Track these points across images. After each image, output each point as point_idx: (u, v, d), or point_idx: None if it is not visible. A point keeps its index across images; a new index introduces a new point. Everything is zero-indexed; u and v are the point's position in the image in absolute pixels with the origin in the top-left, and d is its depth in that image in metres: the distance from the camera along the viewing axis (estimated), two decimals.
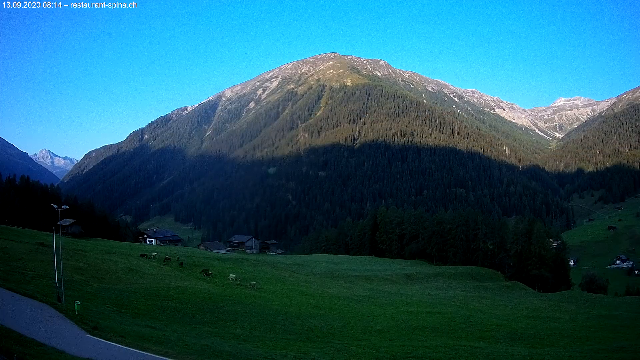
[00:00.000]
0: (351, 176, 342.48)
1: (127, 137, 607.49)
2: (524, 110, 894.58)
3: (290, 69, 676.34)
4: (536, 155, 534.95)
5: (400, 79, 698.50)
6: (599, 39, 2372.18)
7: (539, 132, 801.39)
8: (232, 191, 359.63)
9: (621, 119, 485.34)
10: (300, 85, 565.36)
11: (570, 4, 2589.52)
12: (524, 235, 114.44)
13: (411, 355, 29.70)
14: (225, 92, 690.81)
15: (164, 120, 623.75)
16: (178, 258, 74.63)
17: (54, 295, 31.25)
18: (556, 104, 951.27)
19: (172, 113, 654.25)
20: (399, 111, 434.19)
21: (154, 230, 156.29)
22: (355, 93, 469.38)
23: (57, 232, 38.71)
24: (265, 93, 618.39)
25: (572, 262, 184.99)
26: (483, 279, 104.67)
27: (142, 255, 72.01)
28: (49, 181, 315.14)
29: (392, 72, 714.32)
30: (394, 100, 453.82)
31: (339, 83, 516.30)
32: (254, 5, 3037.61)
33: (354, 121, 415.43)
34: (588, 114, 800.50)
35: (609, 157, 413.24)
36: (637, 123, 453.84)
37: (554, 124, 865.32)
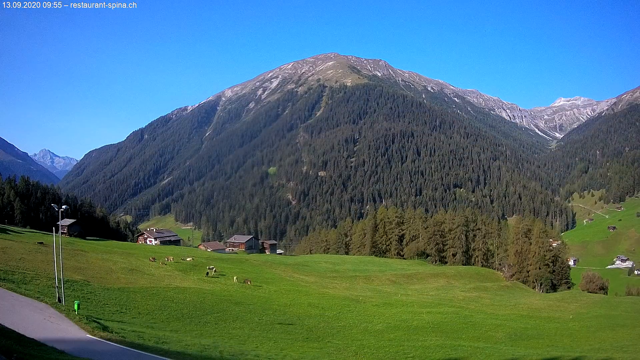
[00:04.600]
0: (351, 176, 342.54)
1: (127, 137, 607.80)
2: (524, 110, 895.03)
3: (290, 69, 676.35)
4: (536, 155, 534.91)
5: (400, 79, 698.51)
6: (599, 39, 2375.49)
7: (539, 132, 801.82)
8: (232, 191, 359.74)
9: (621, 119, 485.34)
10: (300, 86, 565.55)
11: (570, 4, 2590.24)
12: (524, 235, 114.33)
13: (411, 356, 29.66)
14: (225, 92, 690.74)
15: (164, 120, 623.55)
16: (214, 269, 70.78)
17: (54, 295, 31.23)
18: (556, 104, 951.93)
19: (172, 113, 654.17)
20: (399, 111, 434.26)
21: (154, 230, 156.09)
22: (355, 93, 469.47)
23: (57, 232, 38.64)
24: (265, 93, 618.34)
25: (572, 262, 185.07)
26: (483, 279, 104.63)
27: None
28: (49, 181, 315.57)
29: (392, 72, 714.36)
30: (394, 100, 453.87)
31: (339, 83, 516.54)
32: (255, 5, 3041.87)
33: (354, 121, 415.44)
34: (588, 114, 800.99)
35: (609, 157, 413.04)
36: (637, 123, 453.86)
37: (554, 124, 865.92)
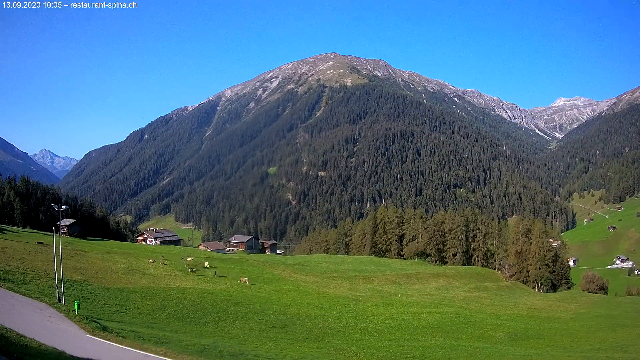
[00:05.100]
0: (351, 176, 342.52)
1: (127, 137, 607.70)
2: (524, 110, 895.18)
3: (290, 69, 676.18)
4: (536, 155, 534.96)
5: (400, 79, 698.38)
6: (599, 39, 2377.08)
7: (539, 132, 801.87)
8: (232, 191, 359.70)
9: (621, 119, 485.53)
10: (300, 86, 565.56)
11: (570, 4, 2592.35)
12: (524, 236, 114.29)
13: (411, 356, 29.68)
14: (225, 92, 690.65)
15: (164, 120, 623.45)
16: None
17: (54, 295, 31.23)
18: (556, 104, 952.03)
19: (172, 113, 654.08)
20: (399, 111, 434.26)
21: (154, 230, 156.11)
22: (355, 93, 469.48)
23: (57, 232, 38.63)
24: (266, 93, 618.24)
25: (572, 262, 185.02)
26: (483, 279, 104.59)
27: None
28: (49, 181, 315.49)
29: (392, 72, 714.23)
30: (394, 100, 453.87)
31: (339, 83, 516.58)
32: (255, 5, 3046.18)
33: (354, 121, 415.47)
34: (588, 114, 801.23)
35: (609, 157, 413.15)
36: (637, 123, 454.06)
37: (554, 124, 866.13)
